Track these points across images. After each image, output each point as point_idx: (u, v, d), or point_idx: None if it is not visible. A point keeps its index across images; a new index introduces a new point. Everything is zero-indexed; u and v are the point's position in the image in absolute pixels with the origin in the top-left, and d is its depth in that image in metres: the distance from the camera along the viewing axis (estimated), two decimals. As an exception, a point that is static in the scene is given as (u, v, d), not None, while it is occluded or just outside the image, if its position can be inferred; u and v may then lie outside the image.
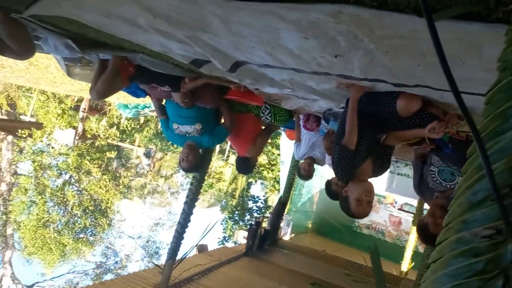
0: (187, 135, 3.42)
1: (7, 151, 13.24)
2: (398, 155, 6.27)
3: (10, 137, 12.59)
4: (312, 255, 5.97)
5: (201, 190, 3.76)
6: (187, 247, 3.95)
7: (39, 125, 11.00)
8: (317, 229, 9.31)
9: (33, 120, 12.74)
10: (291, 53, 1.56)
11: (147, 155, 20.27)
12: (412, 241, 6.13)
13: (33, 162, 10.18)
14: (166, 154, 19.95)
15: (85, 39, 2.28)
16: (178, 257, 3.58)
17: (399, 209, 9.09)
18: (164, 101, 3.56)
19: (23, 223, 10.12)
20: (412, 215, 8.16)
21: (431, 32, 0.54)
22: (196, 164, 3.37)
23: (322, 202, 9.23)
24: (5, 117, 13.94)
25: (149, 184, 19.34)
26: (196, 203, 3.66)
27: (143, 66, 2.64)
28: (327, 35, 1.18)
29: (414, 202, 8.16)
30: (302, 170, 4.05)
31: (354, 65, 1.52)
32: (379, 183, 7.99)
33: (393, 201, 9.14)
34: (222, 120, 3.65)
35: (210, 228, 4.13)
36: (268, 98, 3.24)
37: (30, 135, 10.29)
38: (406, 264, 5.98)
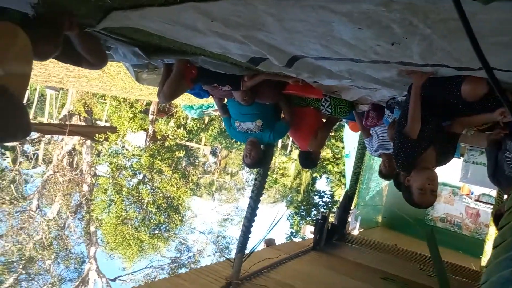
0: (249, 132, 3.51)
1: (87, 155, 14.37)
2: (471, 143, 5.90)
3: (88, 142, 13.66)
4: (383, 249, 5.83)
5: (266, 186, 3.84)
6: (255, 241, 4.05)
7: (113, 129, 11.81)
8: (388, 223, 9.05)
9: (107, 124, 13.71)
10: (346, 44, 1.55)
11: (213, 153, 20.93)
12: (492, 234, 5.75)
13: (110, 164, 10.96)
14: (230, 152, 20.46)
15: (150, 46, 2.43)
16: (247, 251, 3.69)
17: (476, 200, 8.55)
18: (226, 100, 3.68)
19: (104, 221, 10.94)
20: (491, 206, 7.64)
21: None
22: (259, 159, 3.45)
23: (392, 195, 8.95)
24: (83, 123, 15.14)
25: (217, 181, 19.97)
26: (261, 198, 3.75)
27: (204, 68, 2.75)
28: (381, 23, 1.17)
29: (493, 193, 7.63)
30: (383, 168, 3.77)
31: (412, 51, 1.48)
32: (453, 173, 7.58)
33: (469, 191, 8.61)
34: (282, 115, 3.69)
35: (277, 221, 4.19)
36: (327, 90, 3.22)
37: (106, 139, 11.09)
38: (486, 259, 5.62)
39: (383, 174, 3.79)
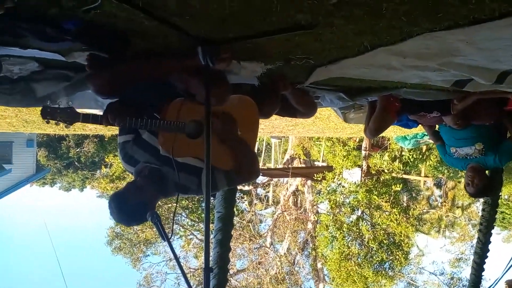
0: (468, 157, 3.26)
1: (308, 194, 15.48)
2: None
3: (309, 182, 14.74)
4: None
5: (498, 217, 3.43)
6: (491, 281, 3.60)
7: (329, 168, 12.49)
8: None
9: (324, 164, 14.55)
10: None
11: (438, 185, 19.25)
12: None
13: (329, 201, 11.51)
14: (458, 183, 18.41)
15: (352, 88, 2.66)
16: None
17: None
18: (437, 127, 3.54)
19: (328, 257, 11.41)
20: None
21: None
22: (484, 187, 3.14)
23: None
24: (303, 165, 16.48)
25: (445, 216, 18.17)
26: (492, 231, 3.36)
27: (408, 99, 2.78)
28: None
29: None
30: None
31: None
32: None
33: None
34: (508, 135, 3.28)
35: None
36: None
37: (324, 178, 11.77)
38: None
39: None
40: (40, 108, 1.90)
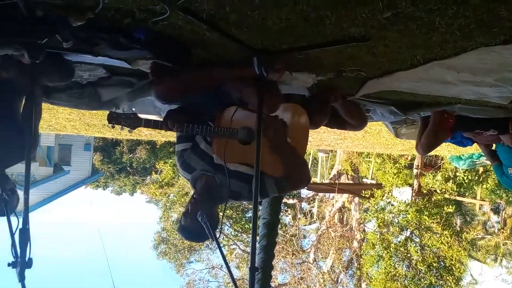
0: (528, 179, 3.10)
1: (355, 212, 15.13)
2: None
3: (356, 199, 14.43)
4: None
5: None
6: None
7: (378, 186, 12.16)
8: None
9: (373, 181, 14.18)
10: None
11: (495, 210, 18.08)
12: None
13: (377, 219, 11.19)
14: (520, 209, 17.21)
15: (405, 102, 2.64)
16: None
17: None
18: (494, 146, 3.40)
19: (374, 277, 11.06)
20: None
21: None
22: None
23: None
24: (351, 181, 16.16)
25: (503, 244, 17.00)
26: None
27: (463, 115, 2.71)
28: None
29: None
30: None
31: None
32: None
33: None
34: None
35: None
36: None
37: (372, 195, 11.48)
38: None
39: None
40: (105, 113, 2.06)
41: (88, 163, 20.84)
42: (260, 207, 2.68)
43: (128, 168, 24.52)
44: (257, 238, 2.63)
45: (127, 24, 1.36)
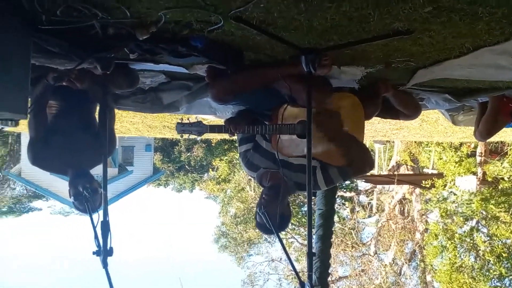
0: None
1: (416, 203, 14.60)
2: None
3: (417, 190, 13.92)
4: None
5: None
6: None
7: (440, 175, 11.64)
8: None
9: (434, 171, 13.59)
10: None
11: None
12: None
13: (440, 209, 10.74)
14: None
15: (458, 89, 2.59)
16: None
17: None
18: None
19: (438, 267, 10.65)
20: None
21: None
22: None
23: None
24: (411, 172, 15.61)
25: None
26: None
27: (524, 99, 2.61)
28: None
29: None
30: None
31: None
32: None
33: None
34: None
35: None
36: None
37: (433, 185, 11.02)
38: None
39: None
40: (165, 115, 2.26)
41: (150, 163, 21.83)
42: (316, 199, 2.76)
43: (186, 166, 25.45)
44: (313, 229, 2.72)
45: (185, 34, 1.51)
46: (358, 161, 2.07)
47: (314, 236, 2.60)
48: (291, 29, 1.47)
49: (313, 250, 1.68)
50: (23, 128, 3.92)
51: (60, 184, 14.40)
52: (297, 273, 1.72)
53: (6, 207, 22.17)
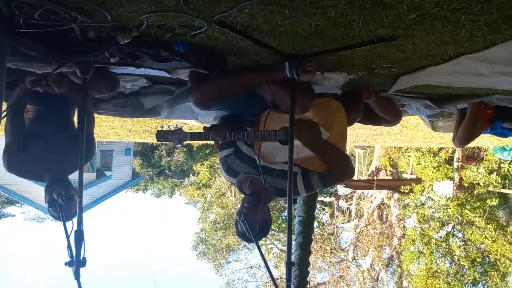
0: None
1: (395, 208, 14.79)
2: None
3: (396, 195, 14.09)
4: None
5: None
6: None
7: (418, 181, 11.82)
8: None
9: (413, 176, 13.79)
10: None
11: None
12: None
13: (417, 214, 10.91)
14: None
15: (439, 96, 2.63)
16: None
17: None
18: (536, 136, 3.30)
19: (414, 273, 10.79)
20: None
21: None
22: None
23: None
24: (390, 177, 15.80)
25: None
26: None
27: (502, 106, 2.67)
28: None
29: None
30: None
31: None
32: None
33: None
34: None
35: None
36: None
37: (411, 191, 11.19)
38: None
39: None
40: (145, 119, 2.21)
41: (129, 167, 21.50)
42: (296, 206, 2.75)
43: (166, 171, 25.16)
44: (293, 236, 2.70)
45: (168, 38, 1.47)
46: (339, 168, 2.07)
47: (293, 243, 2.58)
48: (275, 35, 1.45)
49: (292, 259, 1.66)
50: (-1, 133, 3.79)
51: (36, 189, 14.05)
52: (275, 283, 1.70)
53: (-23, 213, 21.46)
